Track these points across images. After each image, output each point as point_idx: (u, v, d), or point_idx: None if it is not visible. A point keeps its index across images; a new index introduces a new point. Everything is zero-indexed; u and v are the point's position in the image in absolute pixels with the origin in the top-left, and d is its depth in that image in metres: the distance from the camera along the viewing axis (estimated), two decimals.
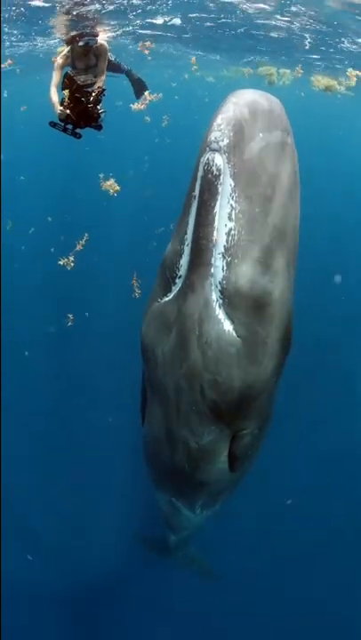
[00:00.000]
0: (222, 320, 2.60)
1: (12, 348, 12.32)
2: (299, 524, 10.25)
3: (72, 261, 4.80)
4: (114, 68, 7.29)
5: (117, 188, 5.27)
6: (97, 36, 7.29)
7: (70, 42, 6.53)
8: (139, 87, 7.95)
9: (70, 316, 5.70)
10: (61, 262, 4.85)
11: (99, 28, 8.16)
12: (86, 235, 5.26)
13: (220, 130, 2.34)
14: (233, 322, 2.61)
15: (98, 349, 13.02)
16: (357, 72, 8.87)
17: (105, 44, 6.37)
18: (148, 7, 7.94)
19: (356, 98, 14.91)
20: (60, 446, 11.47)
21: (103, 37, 7.75)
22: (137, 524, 8.77)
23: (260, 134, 2.39)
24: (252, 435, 3.17)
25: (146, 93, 6.52)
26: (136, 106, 6.29)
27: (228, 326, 2.61)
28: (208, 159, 2.38)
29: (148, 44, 7.11)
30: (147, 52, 6.97)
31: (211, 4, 7.80)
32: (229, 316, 2.60)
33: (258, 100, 2.43)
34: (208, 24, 9.27)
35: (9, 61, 11.87)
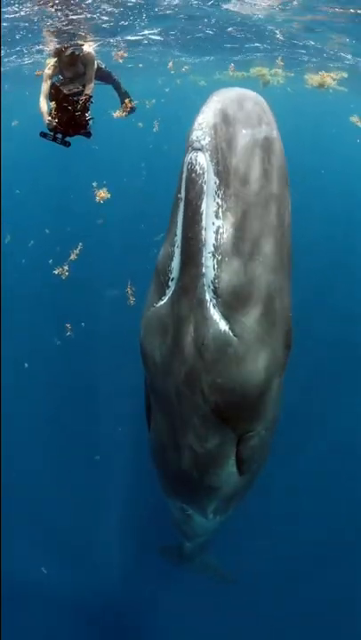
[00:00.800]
0: (218, 320, 2.55)
1: (10, 358, 12.35)
2: (306, 525, 10.17)
3: (67, 270, 4.80)
4: (104, 76, 7.33)
5: (107, 195, 5.29)
6: (82, 45, 7.35)
7: (57, 52, 6.61)
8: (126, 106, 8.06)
9: (68, 325, 5.71)
10: (56, 272, 4.86)
11: (83, 41, 8.25)
12: (80, 244, 5.26)
13: (202, 129, 2.34)
14: (229, 321, 2.56)
15: (96, 358, 13.05)
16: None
17: (92, 52, 6.44)
18: (128, 23, 8.02)
19: (349, 93, 14.97)
20: (64, 456, 11.45)
21: (90, 46, 7.77)
22: (152, 533, 8.70)
23: (243, 130, 2.38)
24: (258, 436, 3.10)
25: (126, 101, 6.61)
26: (117, 113, 6.41)
27: (223, 326, 2.56)
28: (191, 158, 2.37)
29: (121, 52, 7.20)
30: (121, 60, 7.06)
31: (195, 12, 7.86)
32: (225, 316, 2.55)
33: (239, 96, 2.43)
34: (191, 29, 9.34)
35: None
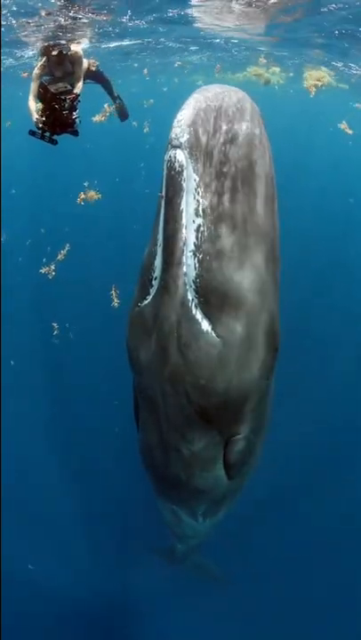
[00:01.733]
0: (200, 320, 2.51)
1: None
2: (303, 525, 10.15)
3: (53, 270, 4.79)
4: (95, 75, 7.38)
5: (96, 196, 5.32)
6: (69, 43, 7.39)
7: (45, 52, 6.65)
8: (120, 110, 8.14)
9: (55, 324, 5.70)
10: (43, 270, 4.86)
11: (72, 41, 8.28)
12: (67, 245, 5.25)
13: (180, 126, 2.31)
14: (211, 322, 2.51)
15: (83, 357, 13.02)
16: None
17: (79, 51, 6.49)
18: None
19: (350, 90, 14.97)
20: (55, 456, 11.46)
21: (78, 46, 7.80)
22: (145, 534, 8.68)
23: (224, 127, 2.35)
24: (246, 440, 3.06)
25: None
26: (97, 117, 6.48)
27: (206, 326, 2.51)
28: (170, 156, 2.34)
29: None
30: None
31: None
32: (207, 316, 2.51)
33: (221, 93, 2.39)
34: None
35: None
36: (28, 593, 8.94)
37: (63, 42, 7.96)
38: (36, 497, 10.30)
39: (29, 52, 10.40)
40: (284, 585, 9.38)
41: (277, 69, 14.80)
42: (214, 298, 2.47)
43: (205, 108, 2.32)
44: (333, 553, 9.80)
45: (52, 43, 7.77)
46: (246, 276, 2.49)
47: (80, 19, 7.57)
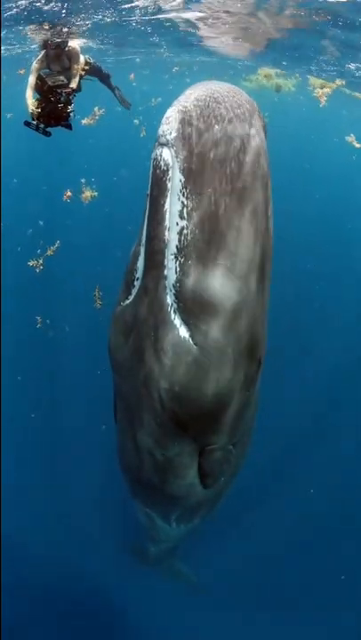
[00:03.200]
0: (178, 326, 2.43)
1: None
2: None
3: (41, 264, 4.79)
4: (93, 71, 7.46)
5: (93, 194, 5.36)
6: (67, 39, 7.53)
7: (44, 46, 6.80)
8: (121, 99, 8.31)
9: (39, 318, 5.71)
10: (31, 263, 4.85)
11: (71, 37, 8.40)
12: (58, 241, 5.26)
13: (168, 123, 2.19)
14: (189, 328, 2.42)
15: (61, 353, 13.07)
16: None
17: (77, 47, 6.61)
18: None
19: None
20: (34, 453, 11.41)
21: (76, 42, 8.00)
22: (123, 533, 8.64)
23: (216, 126, 2.18)
24: (223, 450, 2.98)
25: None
26: (86, 120, 6.59)
27: (184, 333, 2.43)
28: (156, 154, 2.24)
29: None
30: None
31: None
32: (185, 322, 2.42)
33: (215, 91, 2.23)
34: None
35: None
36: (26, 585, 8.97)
37: (62, 37, 8.05)
38: (18, 496, 10.22)
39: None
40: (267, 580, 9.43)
41: (284, 76, 14.82)
42: (194, 304, 2.37)
43: (197, 105, 2.18)
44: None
45: (51, 37, 7.91)
46: (228, 285, 2.35)
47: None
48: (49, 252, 5.12)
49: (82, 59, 6.62)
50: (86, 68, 6.79)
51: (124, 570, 8.63)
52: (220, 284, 2.34)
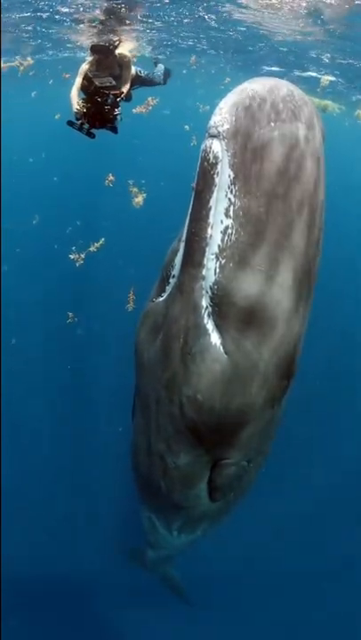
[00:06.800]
0: (210, 331, 2.30)
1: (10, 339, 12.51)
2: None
3: (82, 258, 4.83)
4: (145, 82, 7.23)
5: (142, 197, 5.34)
6: (116, 42, 7.26)
7: (94, 51, 6.54)
8: (165, 76, 8.00)
9: (70, 314, 5.73)
10: (72, 257, 4.88)
11: (121, 37, 8.20)
12: (102, 239, 5.29)
13: (221, 114, 2.03)
14: (222, 335, 2.29)
15: (88, 352, 13.12)
16: None
17: (129, 55, 6.41)
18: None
19: None
20: (62, 449, 11.49)
21: (126, 48, 7.76)
22: (123, 533, 8.64)
23: (272, 123, 2.02)
24: (237, 466, 2.88)
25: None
26: (138, 109, 6.32)
27: (215, 339, 2.30)
28: (205, 146, 2.08)
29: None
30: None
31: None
32: (219, 328, 2.29)
33: (275, 86, 2.07)
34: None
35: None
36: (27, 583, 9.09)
37: (112, 40, 7.84)
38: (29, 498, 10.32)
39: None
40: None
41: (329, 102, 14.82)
42: (230, 310, 2.23)
43: (253, 98, 2.02)
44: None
45: (99, 41, 7.80)
46: (270, 294, 2.21)
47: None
48: (92, 248, 5.16)
49: (133, 70, 6.45)
50: (140, 75, 6.58)
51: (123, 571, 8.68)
52: (261, 292, 2.20)
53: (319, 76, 11.96)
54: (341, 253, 15.11)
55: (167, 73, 8.23)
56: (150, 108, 6.21)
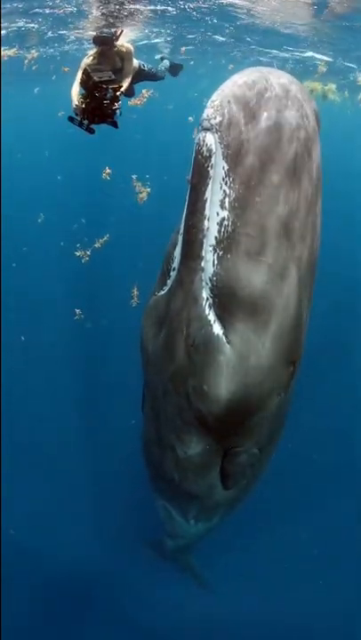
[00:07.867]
0: (212, 322, 2.32)
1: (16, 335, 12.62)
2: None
3: (88, 254, 4.86)
4: (148, 76, 7.17)
5: (147, 192, 5.31)
6: (117, 33, 7.11)
7: (95, 42, 6.44)
8: (174, 69, 8.06)
9: (77, 310, 5.75)
10: (78, 254, 4.91)
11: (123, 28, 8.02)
12: (107, 235, 5.31)
13: (214, 106, 2.04)
14: (224, 325, 2.31)
15: (96, 347, 13.16)
16: None
17: (130, 47, 6.26)
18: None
19: None
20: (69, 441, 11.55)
21: (127, 40, 7.60)
22: (140, 524, 8.71)
23: (265, 113, 2.04)
24: (248, 454, 2.90)
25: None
26: (133, 101, 6.17)
27: (217, 330, 2.31)
28: (199, 139, 2.10)
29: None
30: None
31: None
32: (220, 319, 2.31)
33: (268, 76, 2.08)
34: None
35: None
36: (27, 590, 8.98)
37: (113, 30, 7.67)
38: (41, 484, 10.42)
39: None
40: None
41: (334, 86, 14.65)
42: (230, 300, 2.25)
43: (245, 89, 2.03)
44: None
45: (100, 32, 7.62)
46: (269, 283, 2.22)
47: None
48: (97, 245, 5.18)
49: (135, 62, 6.35)
50: (143, 68, 6.47)
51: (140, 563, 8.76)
52: (261, 281, 2.21)
53: (318, 56, 11.89)
54: (343, 241, 14.96)
55: (178, 66, 8.16)
56: (145, 99, 6.09)
